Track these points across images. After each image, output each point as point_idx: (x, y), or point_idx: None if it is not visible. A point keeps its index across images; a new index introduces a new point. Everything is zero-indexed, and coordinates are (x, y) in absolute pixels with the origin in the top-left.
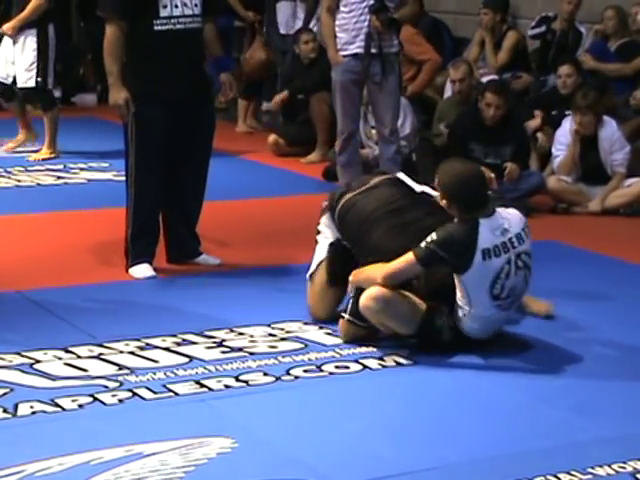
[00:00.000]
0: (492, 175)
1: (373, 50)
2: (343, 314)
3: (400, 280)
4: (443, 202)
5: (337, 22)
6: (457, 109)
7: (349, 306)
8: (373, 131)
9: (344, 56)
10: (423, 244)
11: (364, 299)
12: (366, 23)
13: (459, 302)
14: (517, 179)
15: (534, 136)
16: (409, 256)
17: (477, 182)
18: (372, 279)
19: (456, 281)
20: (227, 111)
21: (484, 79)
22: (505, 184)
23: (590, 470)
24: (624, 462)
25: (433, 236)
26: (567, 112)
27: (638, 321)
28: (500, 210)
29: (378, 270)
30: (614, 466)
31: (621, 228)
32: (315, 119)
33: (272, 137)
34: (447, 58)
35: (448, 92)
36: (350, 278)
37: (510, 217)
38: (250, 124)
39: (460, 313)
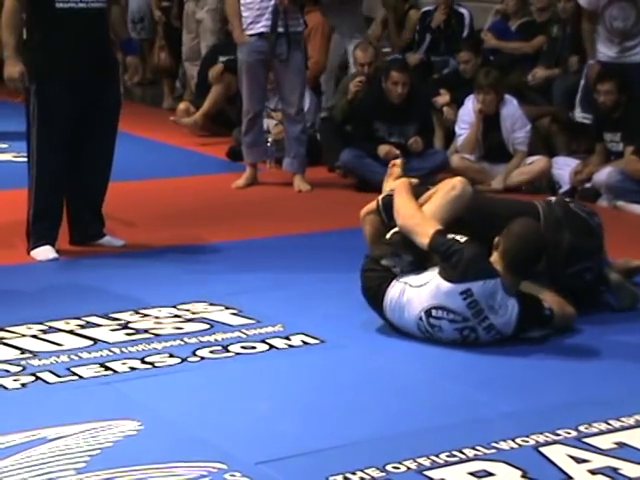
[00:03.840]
0: (398, 153)
1: (279, 29)
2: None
3: None
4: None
5: (242, 1)
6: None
7: None
8: (273, 113)
9: (250, 35)
10: (459, 238)
11: None
12: (272, 2)
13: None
14: (421, 156)
15: (441, 111)
16: (429, 228)
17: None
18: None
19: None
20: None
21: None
22: (411, 162)
23: (494, 445)
24: (527, 436)
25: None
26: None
27: None
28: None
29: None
30: (517, 440)
31: None
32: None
33: (183, 104)
34: None
35: (353, 68)
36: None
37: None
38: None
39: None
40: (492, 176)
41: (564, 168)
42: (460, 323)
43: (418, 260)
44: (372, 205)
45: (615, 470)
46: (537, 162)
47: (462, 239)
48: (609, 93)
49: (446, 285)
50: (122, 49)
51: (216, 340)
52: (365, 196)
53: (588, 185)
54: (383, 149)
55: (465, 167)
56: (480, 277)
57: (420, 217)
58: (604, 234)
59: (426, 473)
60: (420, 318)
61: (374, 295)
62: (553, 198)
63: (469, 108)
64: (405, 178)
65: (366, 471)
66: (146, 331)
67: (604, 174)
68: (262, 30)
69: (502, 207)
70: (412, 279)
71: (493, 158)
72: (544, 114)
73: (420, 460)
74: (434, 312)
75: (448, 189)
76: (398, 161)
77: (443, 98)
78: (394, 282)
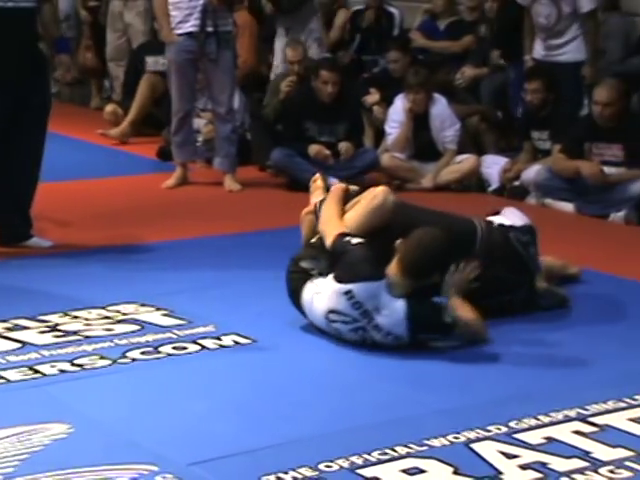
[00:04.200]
0: (328, 152)
1: (209, 28)
2: None
3: None
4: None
5: (170, 0)
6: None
7: None
8: (203, 113)
9: (178, 35)
10: (352, 241)
11: None
12: (200, 1)
13: None
14: (352, 157)
15: (371, 110)
16: (335, 230)
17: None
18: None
19: None
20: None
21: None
22: (340, 162)
23: (426, 442)
24: (458, 433)
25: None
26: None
27: None
28: None
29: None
30: (449, 437)
31: (453, 203)
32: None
33: (110, 106)
34: None
35: (279, 69)
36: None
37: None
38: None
39: None
40: (422, 175)
41: (493, 166)
42: (352, 324)
43: (332, 264)
44: (312, 206)
45: (544, 465)
46: (466, 161)
47: (356, 241)
48: (537, 92)
49: (335, 286)
50: (53, 47)
51: (147, 341)
52: (296, 195)
53: (517, 183)
54: (313, 148)
55: (395, 166)
56: (360, 279)
57: (334, 222)
58: (538, 263)
59: (358, 471)
60: (324, 321)
61: (296, 297)
62: (496, 222)
63: (399, 107)
64: (342, 184)
65: (299, 470)
66: (75, 333)
67: (532, 172)
68: (191, 29)
69: (435, 221)
70: (320, 282)
71: (423, 157)
72: (473, 113)
73: (353, 458)
74: (330, 315)
75: (370, 198)
76: (318, 177)
77: (373, 97)
78: (307, 284)
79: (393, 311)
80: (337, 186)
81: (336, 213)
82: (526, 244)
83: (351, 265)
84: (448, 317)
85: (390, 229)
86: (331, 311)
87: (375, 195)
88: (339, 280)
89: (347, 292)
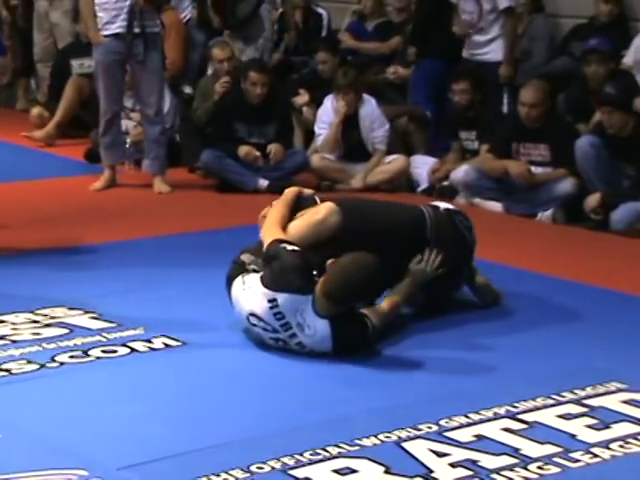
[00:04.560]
0: (258, 154)
1: (136, 29)
2: None
3: None
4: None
5: (97, 1)
6: None
7: None
8: (132, 114)
9: (105, 36)
10: (287, 247)
11: None
12: (127, 2)
13: None
14: (282, 158)
15: (300, 111)
16: (274, 235)
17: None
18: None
19: None
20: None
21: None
22: (270, 163)
23: (357, 441)
24: (389, 432)
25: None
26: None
27: None
28: None
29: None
30: (380, 436)
31: None
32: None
33: (36, 109)
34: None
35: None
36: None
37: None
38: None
39: None
40: (352, 175)
41: (422, 167)
42: (271, 333)
43: (264, 267)
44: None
45: (474, 462)
46: (396, 161)
47: (291, 248)
48: (464, 92)
49: (260, 290)
50: None
51: (75, 345)
52: (226, 197)
53: (445, 183)
54: (243, 150)
55: (325, 167)
56: (289, 289)
57: (274, 226)
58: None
59: (290, 472)
60: (247, 322)
61: (229, 285)
62: (441, 206)
63: (328, 108)
64: (296, 187)
65: (230, 472)
66: (2, 337)
67: (461, 172)
68: (118, 31)
69: (382, 220)
70: (250, 279)
71: (353, 157)
72: (401, 113)
73: (284, 459)
74: (251, 318)
75: (312, 212)
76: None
77: (302, 98)
78: (239, 277)
79: (317, 331)
80: (289, 189)
81: (279, 217)
82: (469, 228)
83: (281, 272)
84: (370, 330)
85: (337, 241)
86: (253, 314)
87: (318, 211)
88: (265, 285)
89: (271, 300)
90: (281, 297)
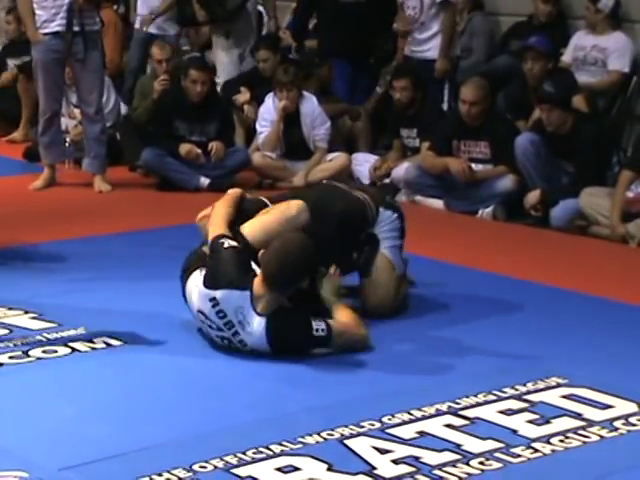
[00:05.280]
0: (199, 152)
1: (75, 28)
2: None
3: None
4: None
5: None
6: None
7: None
8: (76, 110)
9: (44, 34)
10: (225, 244)
11: None
12: (66, 0)
13: None
14: (223, 156)
15: (241, 109)
16: (215, 232)
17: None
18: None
19: None
20: None
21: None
22: (211, 161)
23: (300, 439)
24: (332, 429)
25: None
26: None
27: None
28: None
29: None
30: (323, 434)
31: None
32: (22, 95)
33: None
34: None
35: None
36: None
37: None
38: None
39: None
40: (293, 173)
41: (364, 164)
42: (217, 331)
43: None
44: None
45: (417, 459)
46: (337, 158)
47: (228, 244)
48: (404, 90)
49: (201, 289)
50: None
51: (15, 345)
52: (167, 195)
53: (387, 180)
54: (184, 148)
55: (266, 165)
56: (225, 285)
57: (217, 223)
58: None
59: (233, 471)
60: (197, 319)
61: (185, 276)
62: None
63: (269, 106)
64: (238, 189)
65: (173, 472)
66: None
67: (402, 170)
68: (57, 29)
69: (331, 219)
70: (199, 276)
71: (294, 155)
72: (342, 111)
73: (227, 458)
74: (200, 316)
75: (284, 207)
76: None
77: (243, 96)
78: (197, 271)
79: (255, 330)
80: (233, 190)
81: (224, 214)
82: (398, 209)
83: (217, 269)
84: (320, 330)
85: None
86: (200, 312)
87: (290, 206)
88: (205, 284)
89: (212, 299)
90: (219, 294)
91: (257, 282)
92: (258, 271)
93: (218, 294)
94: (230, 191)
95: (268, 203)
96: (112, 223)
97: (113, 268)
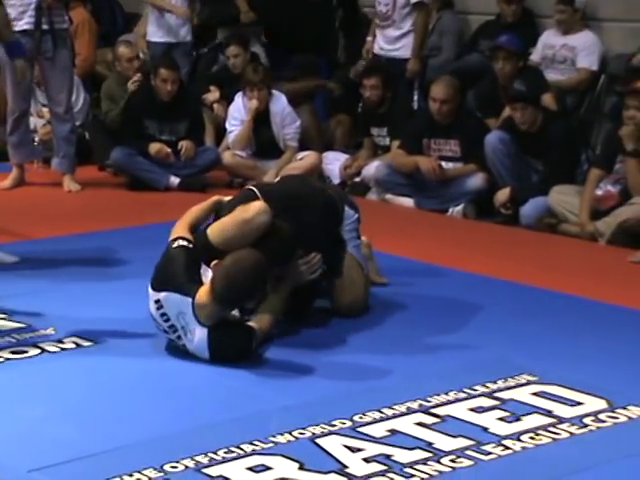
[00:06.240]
0: (169, 151)
1: (44, 26)
2: None
3: None
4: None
5: None
6: (124, 86)
7: None
8: (45, 110)
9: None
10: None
11: None
12: None
13: None
14: (193, 155)
15: (211, 108)
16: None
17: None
18: None
19: None
20: None
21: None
22: (181, 161)
23: (272, 439)
24: (304, 428)
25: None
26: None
27: None
28: None
29: None
30: (294, 433)
31: None
32: None
33: None
34: (119, 33)
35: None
36: None
37: None
38: None
39: None
40: (264, 172)
41: (334, 163)
42: (166, 334)
43: None
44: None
45: (388, 457)
46: (307, 157)
47: (177, 245)
48: (374, 88)
49: (149, 290)
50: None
51: None
52: (137, 195)
53: (357, 179)
54: (154, 147)
55: (237, 164)
56: (168, 288)
57: (181, 225)
58: None
59: (204, 471)
60: None
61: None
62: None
63: (239, 104)
64: (218, 196)
65: (143, 472)
66: None
67: (372, 168)
68: (26, 27)
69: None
70: None
71: (265, 154)
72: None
73: (198, 458)
74: (153, 316)
75: (241, 209)
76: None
77: (213, 95)
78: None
79: (195, 337)
80: (215, 197)
81: (191, 217)
82: (358, 209)
83: (163, 270)
84: (254, 340)
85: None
86: (151, 314)
87: (247, 208)
88: (151, 284)
89: (157, 301)
90: (163, 297)
91: (203, 291)
92: (206, 277)
93: (162, 296)
94: (210, 199)
95: (257, 193)
96: (82, 223)
97: (82, 268)
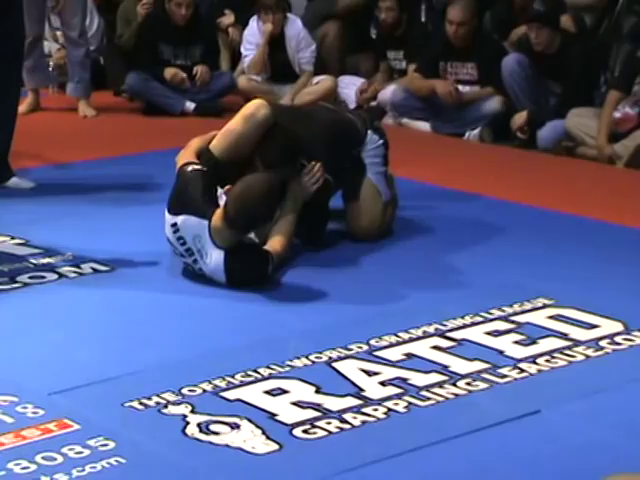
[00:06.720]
0: (184, 75)
1: None
2: None
3: None
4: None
5: None
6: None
7: None
8: (59, 33)
9: None
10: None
11: None
12: None
13: None
14: (208, 80)
15: (226, 32)
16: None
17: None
18: None
19: None
20: None
21: None
22: (197, 85)
23: (288, 362)
24: (320, 352)
25: None
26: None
27: None
28: None
29: None
30: (311, 357)
31: None
32: None
33: None
34: None
35: None
36: None
37: None
38: None
39: None
40: (279, 97)
41: (350, 87)
42: (183, 258)
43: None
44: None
45: (404, 380)
46: (323, 82)
47: (192, 168)
48: (390, 10)
49: (166, 215)
50: None
51: (2, 271)
52: (152, 120)
53: (374, 103)
54: (169, 72)
55: (252, 88)
56: (185, 212)
57: (187, 153)
58: None
59: (222, 394)
60: None
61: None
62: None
63: (254, 29)
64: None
65: (162, 395)
66: None
67: (389, 92)
68: None
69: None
70: None
71: (280, 79)
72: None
73: (216, 382)
74: (169, 240)
75: (242, 110)
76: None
77: (228, 19)
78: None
79: (212, 260)
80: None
81: (193, 147)
82: (384, 135)
83: (180, 194)
84: (270, 264)
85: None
86: (167, 238)
87: (247, 106)
88: (168, 208)
89: (173, 224)
90: (180, 220)
91: (218, 215)
92: (221, 200)
93: (178, 220)
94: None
95: None
96: (97, 148)
97: (99, 193)
